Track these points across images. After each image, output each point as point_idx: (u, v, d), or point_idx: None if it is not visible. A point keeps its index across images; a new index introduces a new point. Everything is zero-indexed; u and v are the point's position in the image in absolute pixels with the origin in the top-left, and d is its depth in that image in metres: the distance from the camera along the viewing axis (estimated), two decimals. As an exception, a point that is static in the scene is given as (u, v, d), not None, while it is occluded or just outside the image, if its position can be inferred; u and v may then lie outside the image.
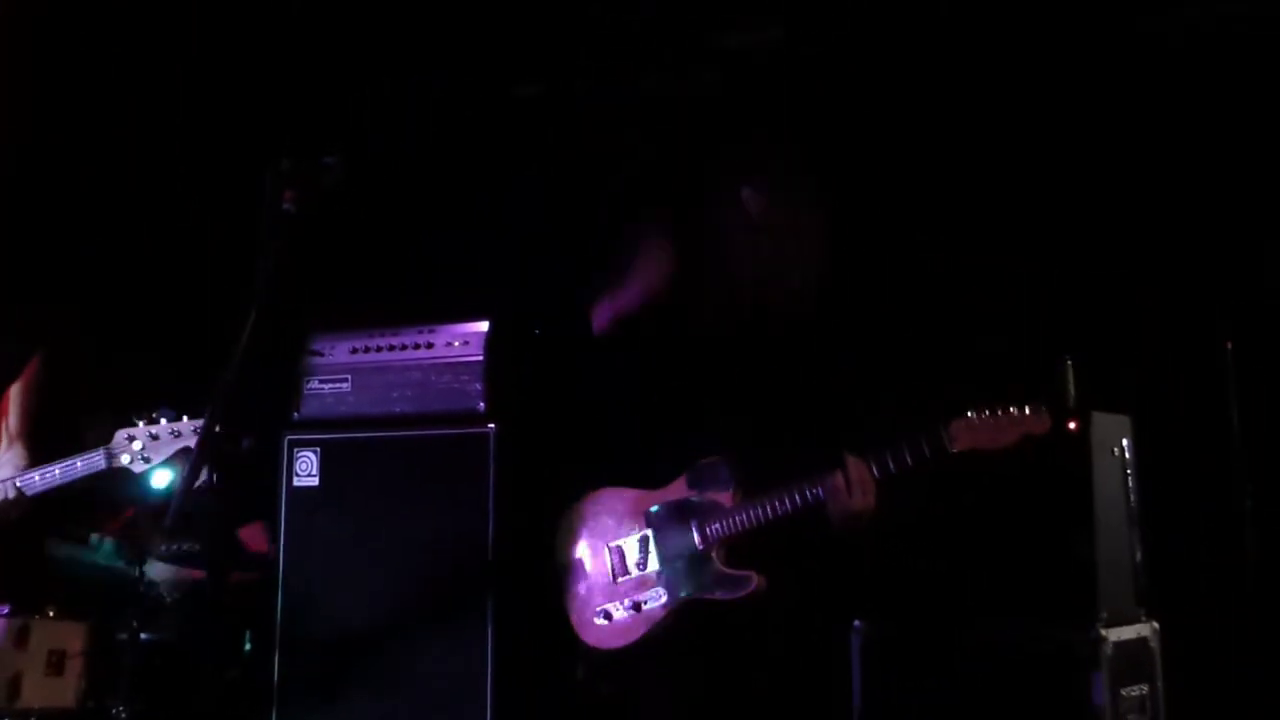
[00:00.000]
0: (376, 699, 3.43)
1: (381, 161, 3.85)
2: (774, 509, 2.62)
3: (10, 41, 3.77)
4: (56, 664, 3.33)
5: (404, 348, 3.68)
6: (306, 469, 3.62)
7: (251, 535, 3.07)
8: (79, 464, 2.95)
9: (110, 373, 3.71)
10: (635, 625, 2.70)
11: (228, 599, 3.54)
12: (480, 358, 3.53)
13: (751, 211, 2.77)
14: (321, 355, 3.73)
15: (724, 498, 2.70)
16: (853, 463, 2.54)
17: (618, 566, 2.76)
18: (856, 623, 3.09)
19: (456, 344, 3.60)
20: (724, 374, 2.81)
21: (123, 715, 3.07)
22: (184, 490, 2.31)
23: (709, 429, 2.77)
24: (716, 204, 2.82)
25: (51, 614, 3.39)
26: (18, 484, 2.96)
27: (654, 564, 2.72)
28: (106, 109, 4.13)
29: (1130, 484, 3.25)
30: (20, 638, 3.32)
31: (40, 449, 3.07)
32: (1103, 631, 3.00)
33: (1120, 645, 3.05)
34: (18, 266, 3.33)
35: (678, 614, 2.68)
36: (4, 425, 3.13)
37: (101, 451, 2.91)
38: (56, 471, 2.96)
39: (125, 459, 2.89)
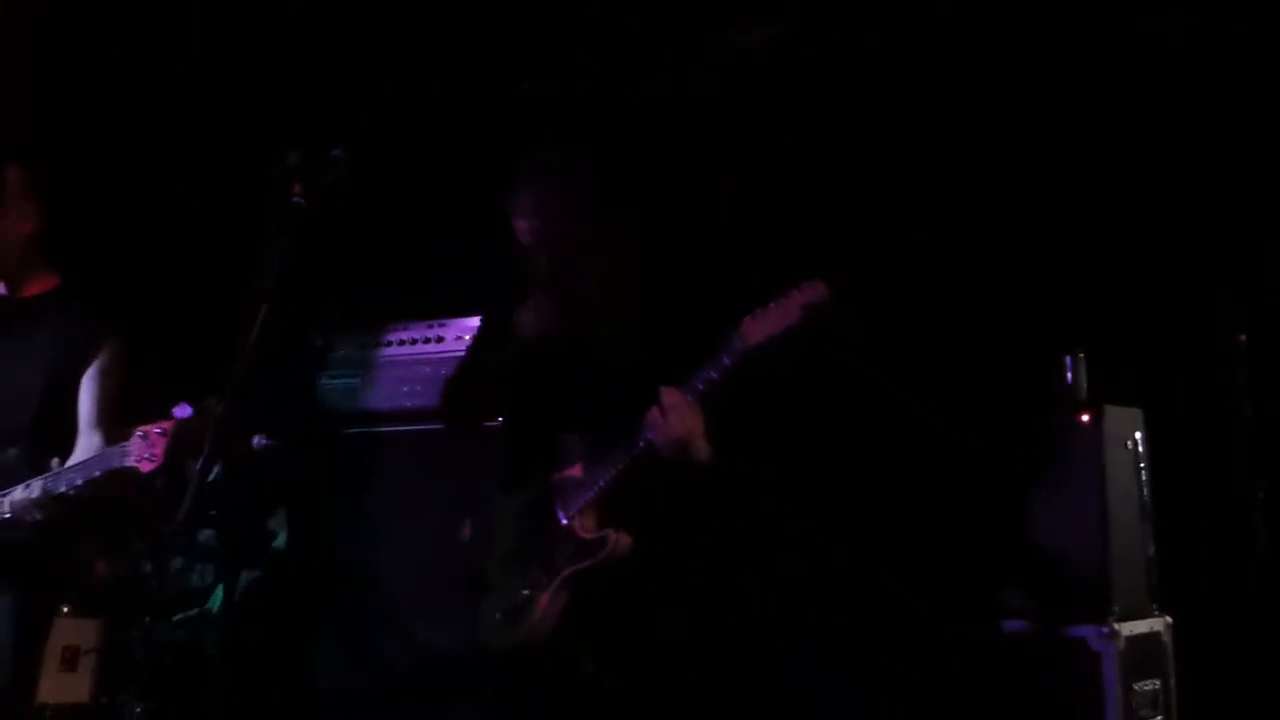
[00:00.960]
0: (390, 691, 3.44)
1: (387, 156, 3.85)
2: (616, 459, 2.65)
3: (13, 37, 3.77)
4: (70, 660, 3.35)
5: (413, 342, 3.69)
6: (318, 463, 3.63)
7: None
8: (95, 460, 2.89)
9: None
10: (533, 618, 2.69)
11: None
12: (488, 352, 3.53)
13: (526, 212, 2.84)
14: (331, 350, 3.73)
15: (576, 469, 2.73)
16: (664, 391, 2.59)
17: (509, 568, 2.78)
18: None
19: (466, 338, 3.60)
20: (559, 370, 2.85)
21: (136, 711, 3.06)
22: (197, 485, 2.30)
23: (565, 416, 2.81)
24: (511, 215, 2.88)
25: (65, 610, 3.40)
26: (44, 483, 2.88)
27: (534, 554, 2.74)
28: (107, 105, 4.13)
29: (1143, 477, 3.23)
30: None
31: (117, 437, 2.98)
32: (1115, 625, 2.99)
33: (1132, 640, 3.04)
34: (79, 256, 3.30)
35: (565, 594, 2.67)
36: (81, 416, 3.05)
37: (116, 450, 2.87)
38: (77, 464, 2.90)
39: (133, 458, 2.83)
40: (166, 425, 2.80)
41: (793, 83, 3.73)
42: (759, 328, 2.54)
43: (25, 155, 3.22)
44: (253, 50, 4.16)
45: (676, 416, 2.56)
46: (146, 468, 2.80)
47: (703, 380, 2.57)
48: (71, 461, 2.96)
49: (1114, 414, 3.19)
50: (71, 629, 3.39)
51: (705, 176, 3.67)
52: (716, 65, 3.86)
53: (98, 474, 2.86)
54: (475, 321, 3.61)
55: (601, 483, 2.66)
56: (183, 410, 2.79)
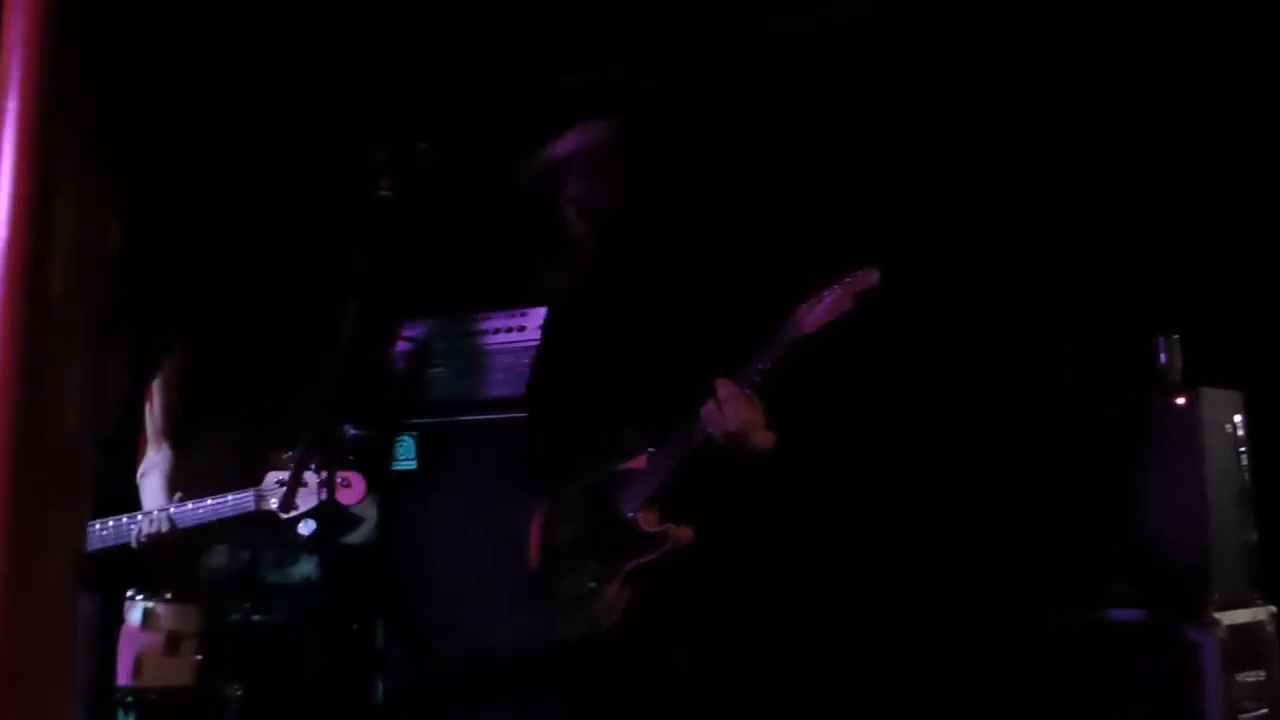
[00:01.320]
0: (473, 677, 3.48)
1: (470, 148, 3.87)
2: (672, 453, 2.63)
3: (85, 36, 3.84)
4: (173, 645, 3.45)
5: (496, 332, 3.72)
6: (405, 453, 3.68)
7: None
8: (229, 501, 2.88)
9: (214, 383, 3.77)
10: (595, 609, 2.68)
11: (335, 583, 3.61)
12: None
13: (563, 190, 2.76)
14: (416, 341, 3.78)
15: (637, 463, 2.70)
16: (720, 383, 2.55)
17: (575, 559, 2.76)
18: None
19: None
20: (610, 349, 2.80)
21: (235, 694, 3.16)
22: (295, 475, 2.34)
23: (619, 405, 2.76)
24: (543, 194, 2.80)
25: (169, 597, 3.51)
26: (171, 515, 2.88)
27: (596, 546, 2.72)
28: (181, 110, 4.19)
29: (1243, 461, 3.15)
30: (141, 620, 3.46)
31: (184, 447, 3.03)
32: (1214, 615, 2.92)
33: (1234, 629, 2.95)
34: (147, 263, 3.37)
35: (628, 586, 2.66)
36: (149, 425, 3.05)
37: (252, 493, 2.86)
38: (209, 504, 2.89)
39: (274, 503, 2.82)
40: (310, 478, 2.77)
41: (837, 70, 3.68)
42: (814, 316, 2.51)
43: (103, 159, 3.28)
44: (327, 47, 4.21)
45: (733, 409, 2.53)
46: (286, 515, 2.80)
47: (758, 371, 2.54)
48: (151, 472, 3.00)
49: (1211, 396, 3.10)
50: (174, 615, 3.49)
51: (732, 168, 3.64)
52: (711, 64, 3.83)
53: (229, 515, 2.88)
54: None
55: (661, 476, 2.64)
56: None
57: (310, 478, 2.77)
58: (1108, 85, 3.47)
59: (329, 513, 2.70)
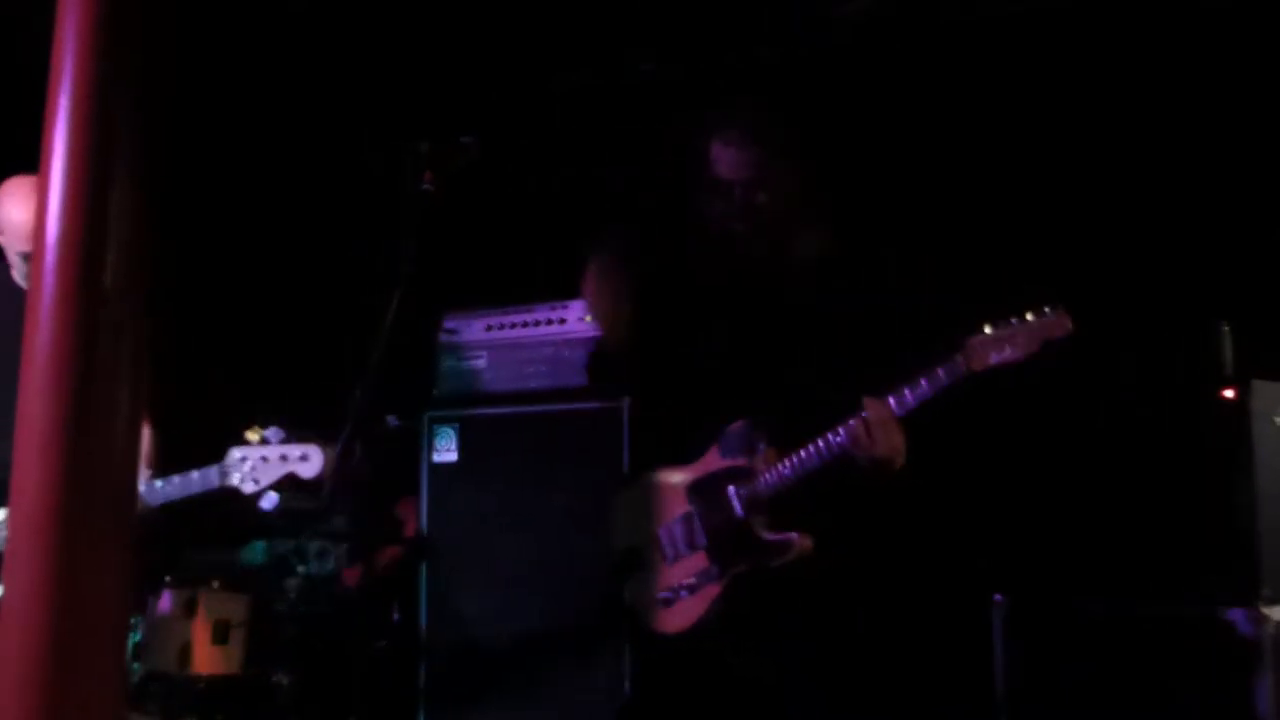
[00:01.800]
0: (516, 667, 3.50)
1: (509, 141, 3.88)
2: (803, 463, 2.51)
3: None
4: (222, 633, 3.50)
5: (537, 324, 3.73)
6: (446, 444, 3.70)
7: (406, 510, 3.09)
8: (195, 477, 2.91)
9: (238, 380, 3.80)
10: (693, 607, 2.61)
11: (379, 572, 3.64)
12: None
13: (723, 168, 2.59)
14: (457, 333, 3.80)
15: (756, 461, 2.59)
16: (870, 403, 2.42)
17: (669, 549, 2.68)
18: (998, 597, 3.01)
19: (588, 319, 3.62)
20: (738, 336, 2.69)
21: (283, 683, 3.20)
22: (339, 467, 2.36)
23: (735, 395, 2.66)
24: (692, 173, 2.63)
25: (216, 585, 3.55)
26: (140, 493, 2.86)
27: (701, 540, 2.64)
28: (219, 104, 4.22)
29: (1293, 455, 3.09)
30: (189, 608, 3.51)
31: (163, 426, 3.04)
32: (1264, 610, 2.88)
33: (1284, 623, 2.91)
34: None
35: (733, 589, 2.59)
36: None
37: (215, 468, 2.88)
38: (176, 481, 2.92)
39: (236, 478, 2.85)
40: (270, 452, 2.83)
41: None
42: (991, 352, 2.36)
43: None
44: (368, 40, 4.22)
45: (884, 434, 2.41)
46: (250, 489, 2.85)
47: (915, 394, 2.41)
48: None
49: (1262, 389, 3.05)
50: (223, 603, 3.54)
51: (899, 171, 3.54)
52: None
53: (195, 491, 2.91)
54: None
55: (785, 480, 2.53)
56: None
57: (271, 451, 2.80)
58: (1165, 75, 3.41)
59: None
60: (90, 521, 1.38)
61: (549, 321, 3.72)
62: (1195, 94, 3.40)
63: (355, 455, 2.50)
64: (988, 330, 2.39)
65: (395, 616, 3.72)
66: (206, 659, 3.47)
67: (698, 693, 2.66)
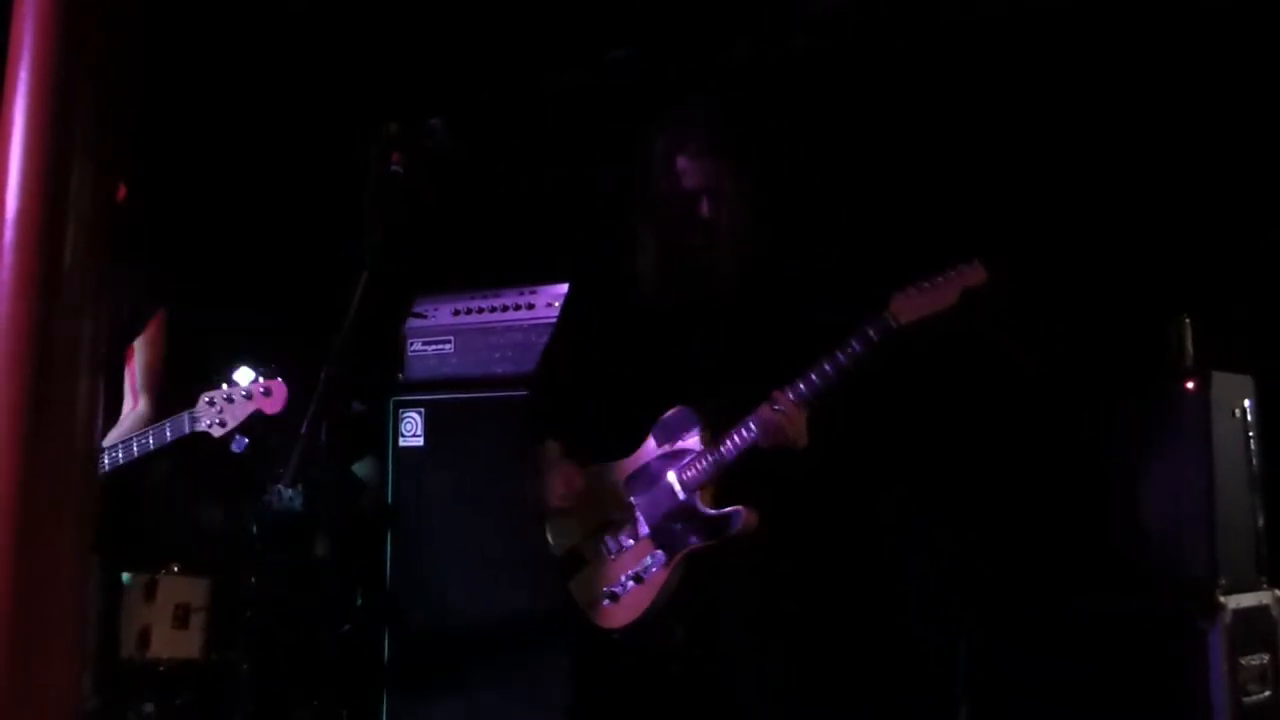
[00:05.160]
0: (481, 652, 3.50)
1: (480, 125, 3.85)
2: (741, 439, 2.56)
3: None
4: (182, 617, 3.47)
5: (505, 309, 3.72)
6: (412, 429, 3.68)
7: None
8: (167, 429, 2.92)
9: (225, 333, 3.78)
10: (642, 596, 2.62)
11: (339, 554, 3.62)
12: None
13: (686, 179, 2.63)
14: (424, 317, 3.78)
15: (693, 442, 2.62)
16: (778, 395, 2.50)
17: (610, 544, 2.69)
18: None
19: (556, 304, 3.61)
20: (675, 335, 2.71)
21: (244, 667, 3.17)
22: (305, 446, 2.34)
23: (668, 389, 2.69)
24: (654, 177, 2.67)
25: (176, 569, 3.52)
26: (108, 455, 2.93)
27: (644, 529, 2.65)
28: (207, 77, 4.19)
29: (1252, 447, 3.14)
30: (148, 592, 3.48)
31: (164, 406, 3.07)
32: (1221, 598, 2.92)
33: (1240, 613, 2.95)
34: (135, 227, 3.38)
35: (680, 570, 2.61)
36: (129, 382, 3.14)
37: (186, 415, 2.90)
38: (150, 432, 2.95)
39: (205, 423, 2.86)
40: (235, 391, 2.86)
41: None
42: (911, 306, 2.43)
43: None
44: (342, 20, 4.19)
45: (789, 424, 2.49)
46: (218, 433, 2.88)
47: (845, 354, 2.47)
48: (125, 426, 3.05)
49: (1222, 380, 3.09)
50: (183, 587, 3.51)
51: (832, 139, 3.56)
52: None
53: (169, 439, 2.93)
54: (565, 288, 3.62)
55: (725, 456, 2.57)
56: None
57: (235, 391, 2.82)
58: (1126, 72, 3.44)
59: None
60: (49, 501, 1.36)
61: (517, 306, 3.71)
62: (1162, 91, 3.42)
63: (320, 439, 2.49)
64: (908, 288, 2.47)
65: (359, 600, 3.71)
66: (166, 643, 3.44)
67: (644, 690, 2.66)
